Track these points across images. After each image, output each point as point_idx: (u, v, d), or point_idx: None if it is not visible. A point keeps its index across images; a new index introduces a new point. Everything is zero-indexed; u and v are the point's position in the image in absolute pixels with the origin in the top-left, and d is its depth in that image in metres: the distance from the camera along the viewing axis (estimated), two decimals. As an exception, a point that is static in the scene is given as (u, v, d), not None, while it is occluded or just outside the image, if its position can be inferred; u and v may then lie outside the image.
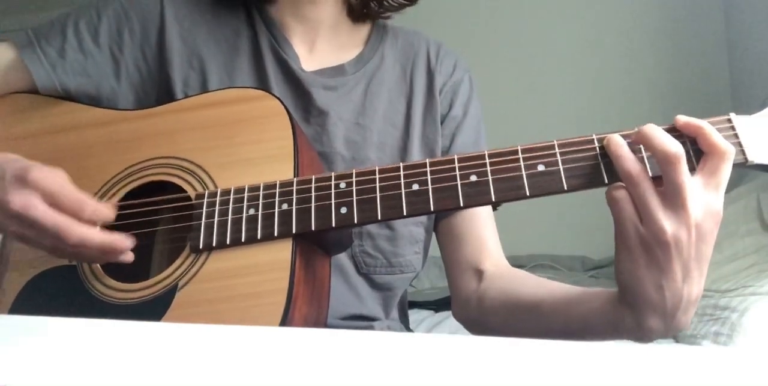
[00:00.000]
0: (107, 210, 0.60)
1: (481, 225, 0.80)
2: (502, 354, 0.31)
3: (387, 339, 0.36)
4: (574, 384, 0.27)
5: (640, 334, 0.54)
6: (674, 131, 0.54)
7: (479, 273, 0.77)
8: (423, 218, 0.81)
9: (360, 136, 0.78)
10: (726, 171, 0.51)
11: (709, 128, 0.52)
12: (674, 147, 0.49)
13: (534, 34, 2.63)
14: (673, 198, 0.50)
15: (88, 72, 0.75)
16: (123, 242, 0.59)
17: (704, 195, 0.50)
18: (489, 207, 0.81)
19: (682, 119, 0.53)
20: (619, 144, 0.53)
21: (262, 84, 0.77)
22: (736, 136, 0.53)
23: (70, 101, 0.75)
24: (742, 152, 0.53)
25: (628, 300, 0.54)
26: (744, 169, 0.54)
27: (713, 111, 0.57)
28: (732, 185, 1.75)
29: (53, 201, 0.57)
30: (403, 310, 0.88)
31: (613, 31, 2.54)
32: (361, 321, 0.78)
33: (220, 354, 0.31)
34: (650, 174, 0.51)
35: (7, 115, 0.75)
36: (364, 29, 0.87)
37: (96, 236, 0.58)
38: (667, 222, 0.49)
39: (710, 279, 1.24)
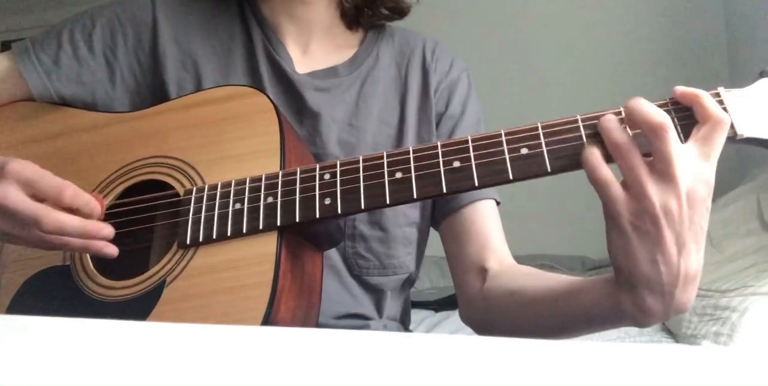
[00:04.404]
0: (89, 196, 0.60)
1: (484, 222, 0.78)
2: (502, 355, 0.31)
3: (383, 338, 0.35)
4: (574, 384, 0.27)
5: (641, 316, 0.53)
6: (665, 106, 0.53)
7: (483, 272, 0.75)
8: (416, 219, 0.80)
9: (354, 137, 0.78)
10: (719, 140, 0.50)
11: (705, 97, 0.51)
12: (659, 117, 0.48)
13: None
14: (662, 168, 0.48)
15: (82, 79, 0.76)
16: (100, 228, 0.59)
17: (695, 164, 0.49)
18: (493, 203, 0.80)
19: (679, 89, 0.53)
20: (608, 118, 0.52)
21: (256, 86, 0.77)
22: (725, 110, 0.53)
23: (68, 107, 0.76)
24: (731, 125, 0.52)
25: (624, 280, 0.52)
26: (734, 144, 0.53)
27: (711, 86, 0.56)
28: (732, 185, 1.75)
29: (32, 190, 0.57)
30: (405, 309, 0.87)
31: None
32: (356, 319, 0.77)
33: (219, 354, 0.31)
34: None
35: (8, 123, 0.76)
36: (359, 30, 0.86)
37: (73, 221, 0.58)
38: (656, 193, 0.48)
39: (710, 279, 1.24)
